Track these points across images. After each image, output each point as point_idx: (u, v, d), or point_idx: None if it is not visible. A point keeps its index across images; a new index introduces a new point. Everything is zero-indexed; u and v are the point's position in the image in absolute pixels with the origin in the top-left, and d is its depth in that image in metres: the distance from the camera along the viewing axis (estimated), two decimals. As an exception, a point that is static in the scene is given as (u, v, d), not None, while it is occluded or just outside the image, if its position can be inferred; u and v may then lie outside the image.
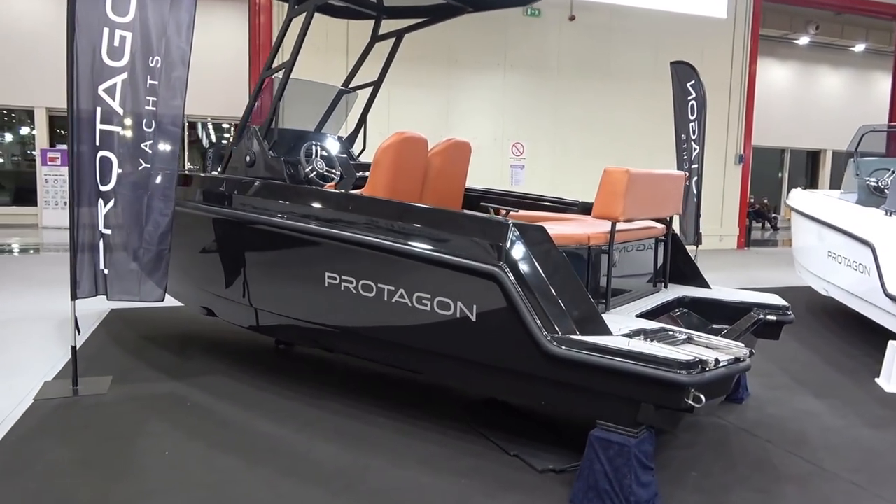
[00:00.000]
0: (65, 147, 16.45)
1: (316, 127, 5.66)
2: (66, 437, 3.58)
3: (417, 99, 12.70)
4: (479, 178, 12.74)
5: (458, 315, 3.25)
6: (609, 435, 2.90)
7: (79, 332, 4.35)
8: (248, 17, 12.02)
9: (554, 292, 3.01)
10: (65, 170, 16.11)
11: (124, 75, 4.25)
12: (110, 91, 4.22)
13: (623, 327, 3.15)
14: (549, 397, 3.23)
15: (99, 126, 4.21)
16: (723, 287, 4.57)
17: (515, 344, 3.04)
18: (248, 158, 5.03)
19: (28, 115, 16.28)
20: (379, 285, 3.53)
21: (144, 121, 4.34)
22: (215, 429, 3.74)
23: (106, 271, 4.33)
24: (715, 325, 4.00)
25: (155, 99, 4.34)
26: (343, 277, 3.69)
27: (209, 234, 4.60)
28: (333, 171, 4.86)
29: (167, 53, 4.34)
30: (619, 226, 3.77)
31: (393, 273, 3.49)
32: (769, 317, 4.02)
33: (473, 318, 3.21)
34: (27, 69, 15.34)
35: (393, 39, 5.64)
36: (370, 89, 5.85)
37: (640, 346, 2.85)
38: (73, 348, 4.33)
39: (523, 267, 3.06)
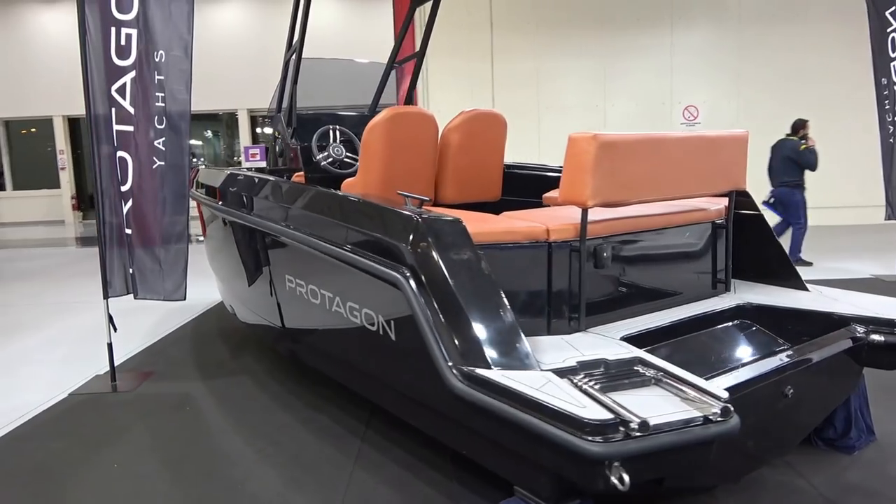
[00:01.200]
0: (265, 144, 18.20)
1: (370, 107, 5.24)
2: (52, 436, 3.63)
3: (568, 70, 11.69)
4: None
5: (379, 330, 2.63)
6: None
7: (115, 329, 4.46)
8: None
9: (464, 307, 2.25)
10: (264, 164, 17.79)
11: (133, 73, 4.20)
12: (121, 91, 4.21)
13: (567, 358, 2.28)
14: (466, 445, 2.47)
15: (115, 127, 4.23)
16: (829, 291, 3.28)
17: (422, 371, 2.35)
18: (277, 148, 4.80)
19: (231, 117, 18.13)
20: (321, 291, 3.03)
21: (156, 118, 4.27)
22: (186, 443, 3.54)
23: (131, 270, 4.37)
24: (792, 348, 2.84)
25: (163, 94, 4.25)
26: (297, 281, 3.24)
27: (219, 232, 4.48)
28: (356, 156, 4.41)
29: (171, 47, 4.22)
30: (626, 211, 2.82)
31: (327, 277, 2.97)
32: (876, 337, 2.74)
33: (392, 336, 2.57)
34: (230, 74, 17.04)
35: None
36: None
37: (550, 390, 1.99)
38: (109, 345, 4.45)
39: (428, 272, 2.34)
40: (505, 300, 2.27)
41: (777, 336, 2.92)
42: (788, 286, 3.28)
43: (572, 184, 2.49)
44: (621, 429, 1.79)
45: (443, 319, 2.26)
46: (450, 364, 2.21)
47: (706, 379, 2.26)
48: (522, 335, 2.24)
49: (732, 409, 1.94)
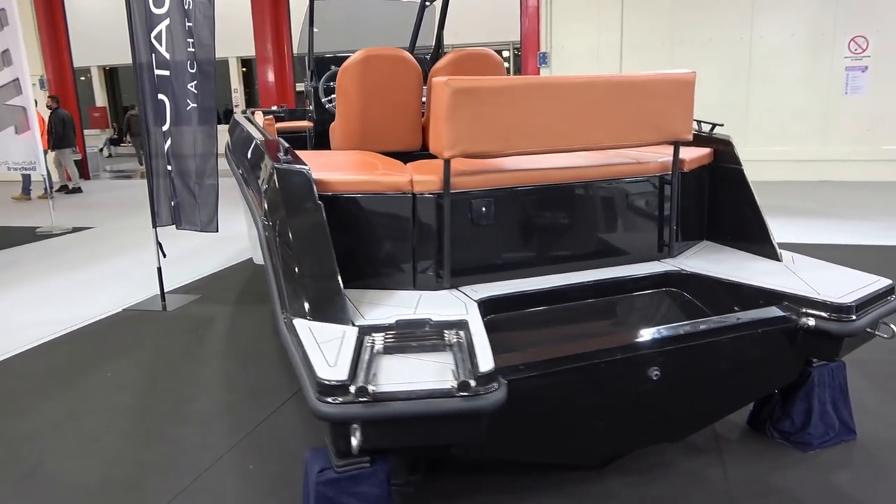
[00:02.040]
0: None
1: (408, 48, 5.19)
2: (82, 344, 4.23)
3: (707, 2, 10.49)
4: (790, 89, 10.07)
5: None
6: (318, 454, 2.13)
7: (164, 255, 4.99)
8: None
9: (295, 257, 2.25)
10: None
11: (167, 21, 4.54)
12: (158, 38, 4.57)
13: (394, 315, 2.21)
14: None
15: (156, 72, 4.63)
16: (804, 261, 2.77)
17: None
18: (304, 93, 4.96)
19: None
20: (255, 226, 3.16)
21: (188, 63, 4.60)
22: (176, 359, 3.95)
23: (173, 202, 4.84)
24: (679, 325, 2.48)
25: (193, 40, 4.55)
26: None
27: None
28: None
29: (197, -7, 4.48)
30: (524, 163, 2.61)
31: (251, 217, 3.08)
32: (806, 321, 2.30)
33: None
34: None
35: None
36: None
37: (327, 345, 1.96)
38: (159, 269, 5.01)
39: (271, 221, 2.37)
40: (331, 253, 2.23)
41: (706, 309, 2.56)
42: (757, 252, 2.84)
43: (433, 133, 2.34)
44: (351, 392, 1.74)
45: (281, 268, 2.30)
46: (283, 314, 2.25)
47: (533, 351, 2.10)
48: (341, 288, 2.20)
49: (496, 385, 1.80)
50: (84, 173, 13.63)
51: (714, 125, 3.13)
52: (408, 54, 3.73)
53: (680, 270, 2.69)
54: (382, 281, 2.50)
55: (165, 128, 4.70)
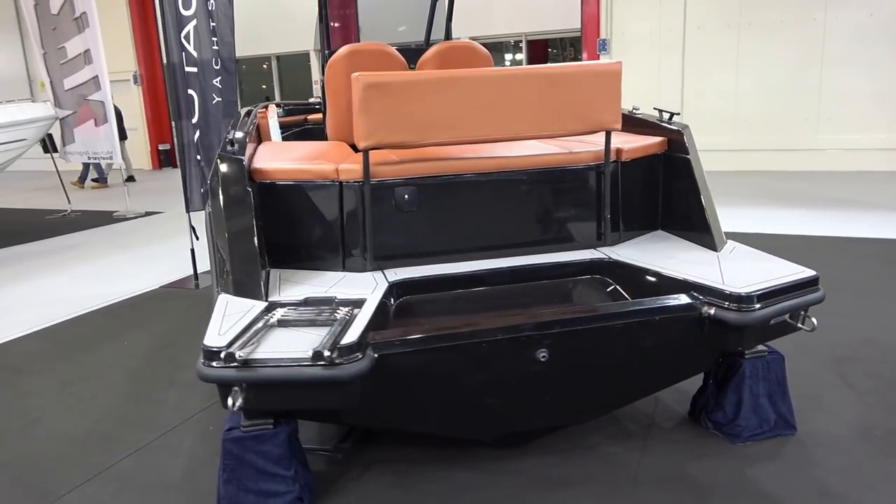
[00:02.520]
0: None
1: (424, 40, 5.34)
2: (111, 317, 4.71)
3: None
4: (867, 73, 9.38)
5: None
6: (235, 415, 2.36)
7: (197, 238, 5.43)
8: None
9: (226, 238, 2.49)
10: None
11: (195, 21, 4.93)
12: (187, 38, 4.97)
13: (308, 293, 2.41)
14: None
15: (185, 69, 5.04)
16: (745, 251, 2.73)
17: None
18: None
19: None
20: None
21: (213, 59, 4.98)
22: (181, 333, 4.34)
23: (202, 189, 5.26)
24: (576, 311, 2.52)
25: (216, 39, 4.92)
26: None
27: None
28: None
29: (218, -5, 4.83)
30: (448, 152, 2.74)
31: None
32: (707, 310, 2.30)
33: None
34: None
35: None
36: None
37: (231, 316, 2.19)
38: (192, 251, 5.46)
39: (214, 208, 2.62)
40: (253, 236, 2.45)
41: (627, 297, 2.59)
42: (699, 241, 2.82)
43: (353, 124, 2.51)
44: (223, 357, 1.96)
45: (215, 248, 2.56)
46: (215, 288, 2.52)
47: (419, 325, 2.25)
48: (258, 268, 2.42)
49: (359, 356, 1.97)
50: (172, 162, 14.68)
51: (672, 114, 3.11)
52: (391, 49, 3.90)
53: (606, 258, 2.73)
54: (315, 262, 2.71)
55: (194, 120, 5.11)
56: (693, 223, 2.88)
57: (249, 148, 2.89)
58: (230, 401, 1.99)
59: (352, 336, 2.02)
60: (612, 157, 2.85)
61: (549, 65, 2.69)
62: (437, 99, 2.49)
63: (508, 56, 19.36)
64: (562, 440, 2.73)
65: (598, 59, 10.95)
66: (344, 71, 3.77)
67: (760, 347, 2.66)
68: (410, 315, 2.50)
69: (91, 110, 8.72)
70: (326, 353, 1.93)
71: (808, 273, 2.45)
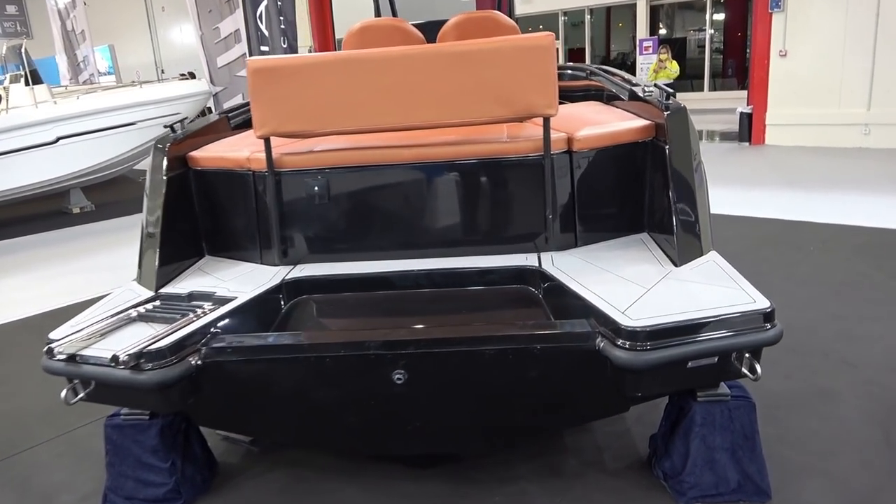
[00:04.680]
0: (656, 36, 17.22)
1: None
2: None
3: None
4: None
5: None
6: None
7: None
8: None
9: (141, 226, 2.52)
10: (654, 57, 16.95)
11: (266, 1, 5.06)
12: (260, 17, 5.14)
13: (195, 287, 2.34)
14: None
15: (260, 48, 5.22)
16: (713, 269, 2.14)
17: None
18: None
19: (630, 9, 17.58)
20: None
21: (281, 38, 5.09)
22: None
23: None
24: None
25: (282, 18, 5.01)
26: None
27: None
28: None
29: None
30: (363, 141, 2.50)
31: None
32: (601, 344, 1.84)
33: None
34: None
35: None
36: None
37: (107, 307, 2.21)
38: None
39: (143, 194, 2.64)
40: (158, 224, 2.44)
41: (550, 314, 2.18)
42: (667, 252, 2.28)
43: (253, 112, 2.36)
44: (49, 350, 1.97)
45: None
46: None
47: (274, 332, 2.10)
48: (154, 256, 2.40)
49: (173, 360, 1.88)
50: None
51: (669, 93, 2.54)
52: (407, 24, 3.66)
53: (534, 268, 2.32)
54: (239, 253, 2.64)
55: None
56: (664, 227, 2.35)
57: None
58: (63, 393, 2.01)
59: (171, 339, 1.93)
60: (562, 147, 2.40)
61: (466, 41, 2.30)
62: (332, 84, 2.26)
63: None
64: (478, 466, 2.42)
65: (771, 18, 9.53)
66: (356, 48, 3.63)
67: (723, 389, 2.12)
68: (297, 317, 2.34)
69: (240, 86, 9.50)
70: (123, 358, 1.86)
71: (758, 305, 1.87)
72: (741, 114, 10.02)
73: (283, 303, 2.37)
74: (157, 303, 2.26)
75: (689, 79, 17.11)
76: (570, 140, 2.40)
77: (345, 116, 2.29)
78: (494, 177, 2.44)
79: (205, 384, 1.98)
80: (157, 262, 2.42)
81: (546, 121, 2.31)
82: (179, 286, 2.40)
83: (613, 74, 3.64)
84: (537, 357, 1.91)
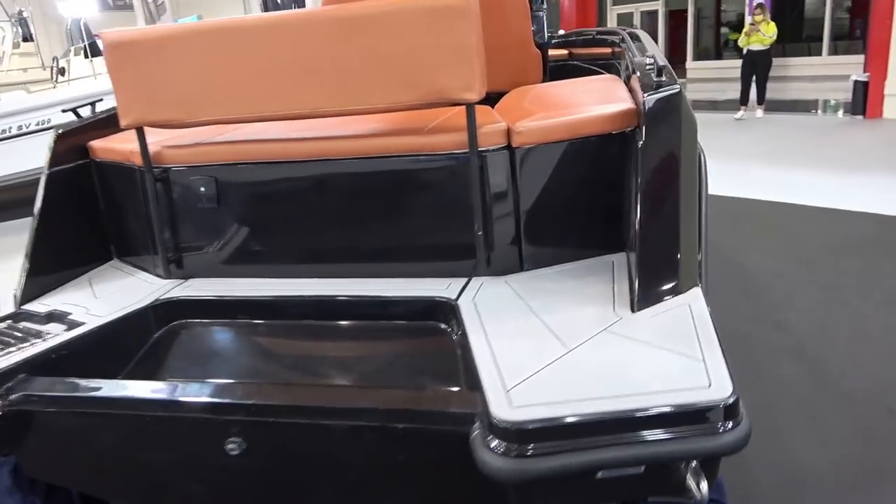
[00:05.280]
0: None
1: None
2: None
3: None
4: None
5: None
6: None
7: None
8: None
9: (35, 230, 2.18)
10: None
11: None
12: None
13: (68, 304, 1.97)
14: None
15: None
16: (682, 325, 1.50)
17: None
18: None
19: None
20: None
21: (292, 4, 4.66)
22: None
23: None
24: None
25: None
26: None
27: None
28: None
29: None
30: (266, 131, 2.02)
31: None
32: (472, 435, 1.28)
33: None
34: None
35: None
36: None
37: None
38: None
39: None
40: (39, 229, 2.09)
41: (460, 364, 1.64)
42: (630, 287, 1.67)
43: None
44: None
45: None
46: None
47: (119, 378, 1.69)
48: (25, 266, 2.06)
49: None
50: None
51: (661, 68, 1.87)
52: None
53: (447, 300, 1.76)
54: (138, 260, 2.26)
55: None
56: (631, 253, 1.73)
57: None
58: None
59: None
60: (499, 141, 1.82)
61: (357, 3, 1.74)
62: (200, 61, 1.79)
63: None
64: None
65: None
66: None
67: (702, 492, 1.51)
68: (162, 350, 1.92)
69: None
70: None
71: (714, 392, 1.25)
72: (855, 82, 8.67)
73: (154, 328, 1.96)
74: (8, 323, 1.92)
75: (806, 41, 15.27)
76: (509, 133, 1.82)
77: (219, 102, 1.82)
78: (413, 179, 1.89)
79: (8, 433, 1.62)
80: (27, 271, 2.07)
81: (469, 108, 1.73)
82: (48, 301, 2.05)
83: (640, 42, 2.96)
84: (399, 439, 1.40)
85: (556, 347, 1.46)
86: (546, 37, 4.17)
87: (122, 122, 1.91)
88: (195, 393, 1.53)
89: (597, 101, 2.11)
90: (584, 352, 1.44)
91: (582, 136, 1.84)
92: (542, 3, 4.04)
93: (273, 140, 1.95)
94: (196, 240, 2.09)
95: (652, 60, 2.05)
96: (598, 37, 3.74)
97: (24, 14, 9.56)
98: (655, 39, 17.77)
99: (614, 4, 16.77)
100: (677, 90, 1.73)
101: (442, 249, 1.92)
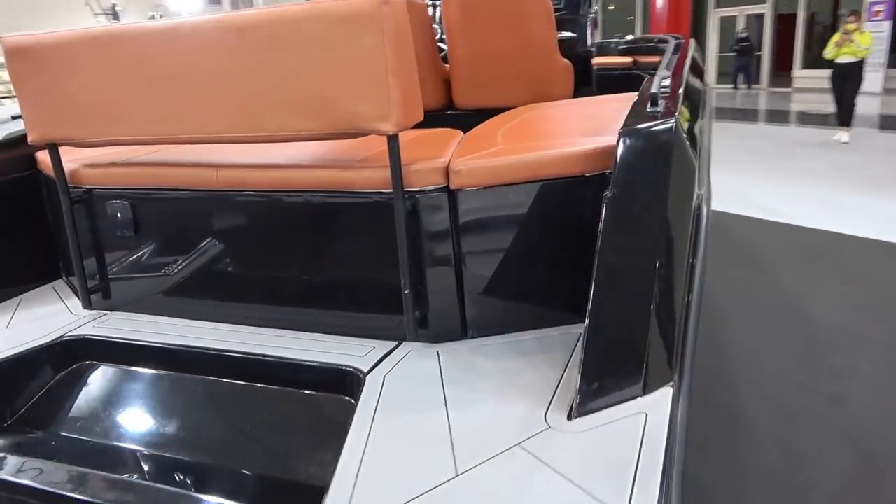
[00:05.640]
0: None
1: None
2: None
3: None
4: None
5: None
6: None
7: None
8: None
9: None
10: (886, 24, 13.83)
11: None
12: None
13: None
14: None
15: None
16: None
17: None
18: None
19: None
20: None
21: None
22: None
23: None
24: None
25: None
26: None
27: None
28: None
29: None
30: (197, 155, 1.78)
31: None
32: None
33: None
34: None
35: None
36: None
37: None
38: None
39: None
40: None
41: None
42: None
43: None
44: None
45: None
46: None
47: None
48: None
49: None
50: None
51: (658, 95, 1.47)
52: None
53: (355, 371, 1.44)
54: (72, 284, 2.08)
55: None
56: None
57: None
58: None
59: None
60: (435, 181, 1.48)
61: (257, 9, 1.43)
62: (91, 72, 1.56)
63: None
64: None
65: None
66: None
67: None
68: (56, 398, 1.70)
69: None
70: None
71: None
72: None
73: (54, 369, 1.75)
74: None
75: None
76: (447, 172, 1.47)
77: (115, 120, 1.59)
78: (340, 220, 1.58)
79: None
80: None
81: (391, 141, 1.41)
82: None
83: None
84: None
85: (444, 466, 1.12)
86: (592, 44, 3.75)
87: (30, 138, 1.73)
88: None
89: (592, 130, 1.73)
90: (476, 478, 1.09)
91: (544, 179, 1.48)
92: (590, 7, 3.62)
93: (188, 164, 1.70)
94: (116, 270, 1.87)
95: (668, 80, 1.65)
96: (660, 45, 3.31)
97: (117, 7, 9.91)
98: (760, 45, 16.54)
99: (717, 7, 15.76)
100: (670, 126, 1.35)
101: (372, 305, 1.61)
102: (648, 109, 1.44)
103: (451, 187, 1.47)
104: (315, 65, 1.35)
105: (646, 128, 1.33)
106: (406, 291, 1.50)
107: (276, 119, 1.42)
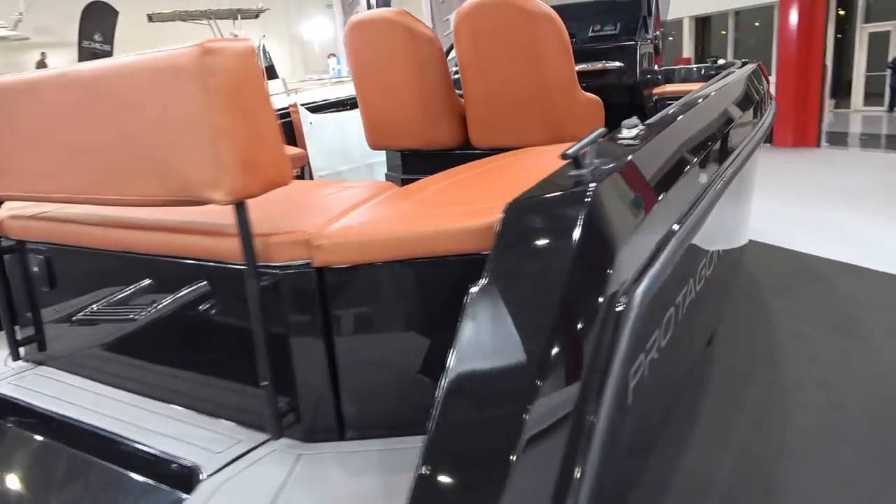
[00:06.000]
0: None
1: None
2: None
3: None
4: None
5: None
6: None
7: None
8: None
9: None
10: None
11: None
12: None
13: None
14: None
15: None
16: None
17: None
18: None
19: None
20: None
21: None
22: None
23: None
24: None
25: None
26: None
27: None
28: None
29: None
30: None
31: None
32: None
33: None
34: None
35: None
36: None
37: None
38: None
39: None
40: None
41: None
42: None
43: None
44: None
45: None
46: None
47: None
48: None
49: None
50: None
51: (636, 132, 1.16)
52: (411, 18, 2.60)
53: (191, 467, 1.23)
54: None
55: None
56: None
57: None
58: None
59: None
60: (299, 256, 1.25)
61: (114, 59, 1.26)
62: (14, 120, 1.49)
63: None
64: None
65: None
66: (350, 53, 2.78)
67: None
68: None
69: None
70: None
71: None
72: None
73: None
74: None
75: None
76: (309, 244, 1.24)
77: (9, 175, 1.52)
78: (210, 293, 1.40)
79: None
80: None
81: (238, 209, 1.20)
82: None
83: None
84: None
85: None
86: (656, 71, 3.37)
87: None
88: None
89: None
90: None
91: (429, 257, 1.22)
92: (646, 32, 3.24)
93: (85, 222, 1.61)
94: (38, 324, 1.81)
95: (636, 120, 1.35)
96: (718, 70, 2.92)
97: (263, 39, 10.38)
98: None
99: (866, 21, 14.25)
100: (587, 193, 1.06)
101: (241, 394, 1.41)
102: (571, 173, 1.14)
103: (315, 264, 1.24)
104: (148, 123, 1.19)
105: (539, 199, 1.04)
106: (264, 383, 1.28)
107: (125, 182, 1.28)
